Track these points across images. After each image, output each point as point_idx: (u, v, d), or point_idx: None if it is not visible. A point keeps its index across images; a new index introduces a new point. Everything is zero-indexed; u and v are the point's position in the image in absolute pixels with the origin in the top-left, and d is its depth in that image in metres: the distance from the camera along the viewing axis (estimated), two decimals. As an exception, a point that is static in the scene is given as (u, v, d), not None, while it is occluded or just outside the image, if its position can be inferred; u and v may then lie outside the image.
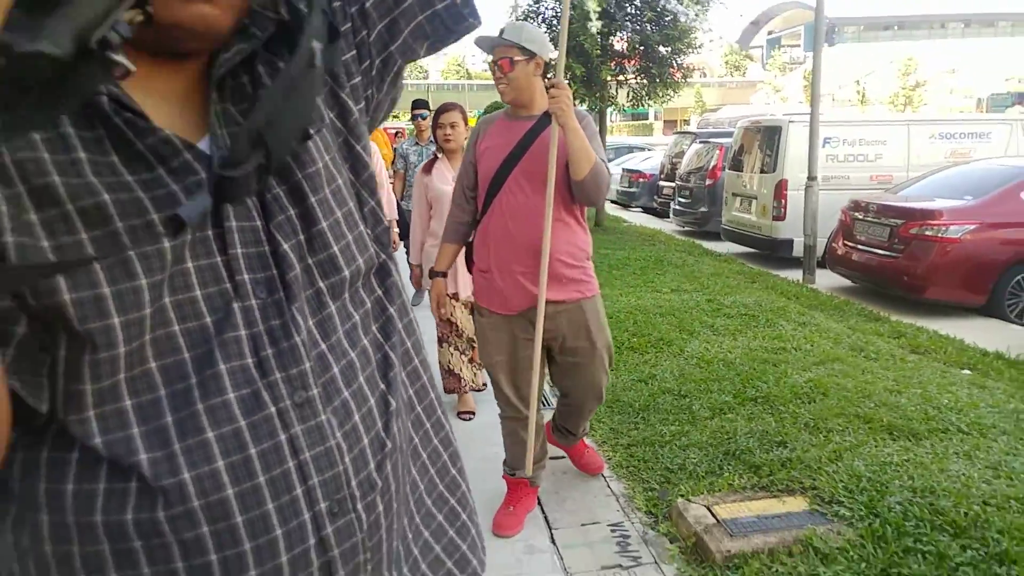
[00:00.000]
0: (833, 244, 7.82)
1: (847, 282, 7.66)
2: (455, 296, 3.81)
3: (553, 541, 2.72)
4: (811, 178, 7.84)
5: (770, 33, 60.87)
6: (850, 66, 37.82)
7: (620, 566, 2.55)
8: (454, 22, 0.78)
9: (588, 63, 10.14)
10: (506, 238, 2.56)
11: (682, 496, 2.93)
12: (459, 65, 65.94)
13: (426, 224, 3.95)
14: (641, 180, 15.47)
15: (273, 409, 0.59)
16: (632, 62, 10.98)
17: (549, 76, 2.54)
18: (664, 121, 52.33)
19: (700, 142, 12.33)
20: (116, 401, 0.55)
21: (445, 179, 3.80)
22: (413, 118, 6.17)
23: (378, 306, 0.70)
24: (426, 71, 68.27)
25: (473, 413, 3.91)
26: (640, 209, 15.53)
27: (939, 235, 6.42)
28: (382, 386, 0.68)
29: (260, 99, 0.57)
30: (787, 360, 4.45)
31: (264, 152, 0.55)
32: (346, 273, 0.66)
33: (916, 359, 4.69)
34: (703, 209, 11.13)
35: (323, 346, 0.63)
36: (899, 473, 2.93)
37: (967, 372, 4.44)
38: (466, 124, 3.72)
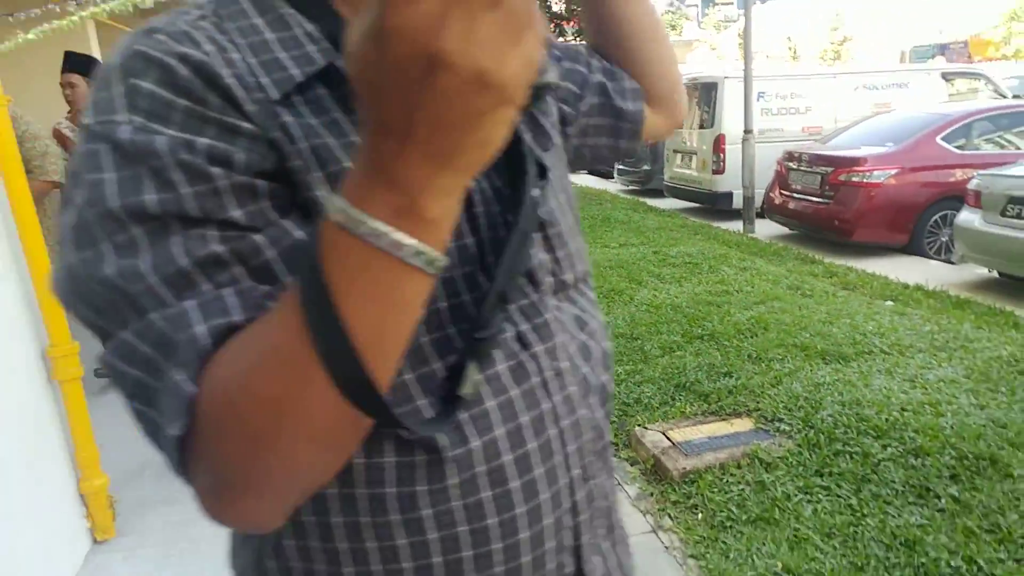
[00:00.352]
0: (770, 194, 8.21)
1: (785, 229, 8.08)
2: None
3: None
4: (747, 132, 8.19)
5: (703, -9, 61.43)
6: (782, 22, 38.66)
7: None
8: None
9: (561, 32, 10.26)
10: None
11: (639, 425, 3.20)
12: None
13: None
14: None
15: (537, 380, 0.62)
16: (570, 23, 11.13)
17: None
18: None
19: (640, 102, 12.58)
20: (399, 374, 0.56)
21: None
22: None
23: (591, 305, 0.73)
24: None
25: None
26: (585, 171, 15.80)
27: (864, 180, 6.84)
28: (604, 376, 0.71)
29: (501, 264, 0.57)
30: (730, 301, 4.77)
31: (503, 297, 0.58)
32: (572, 274, 0.69)
33: (846, 294, 5.07)
34: (646, 167, 11.43)
35: (562, 326, 0.67)
36: (830, 391, 3.27)
37: (890, 303, 4.84)
38: None
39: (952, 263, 6.29)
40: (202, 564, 2.34)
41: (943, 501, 2.41)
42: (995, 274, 5.85)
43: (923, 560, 2.15)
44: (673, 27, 59.41)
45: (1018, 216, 5.24)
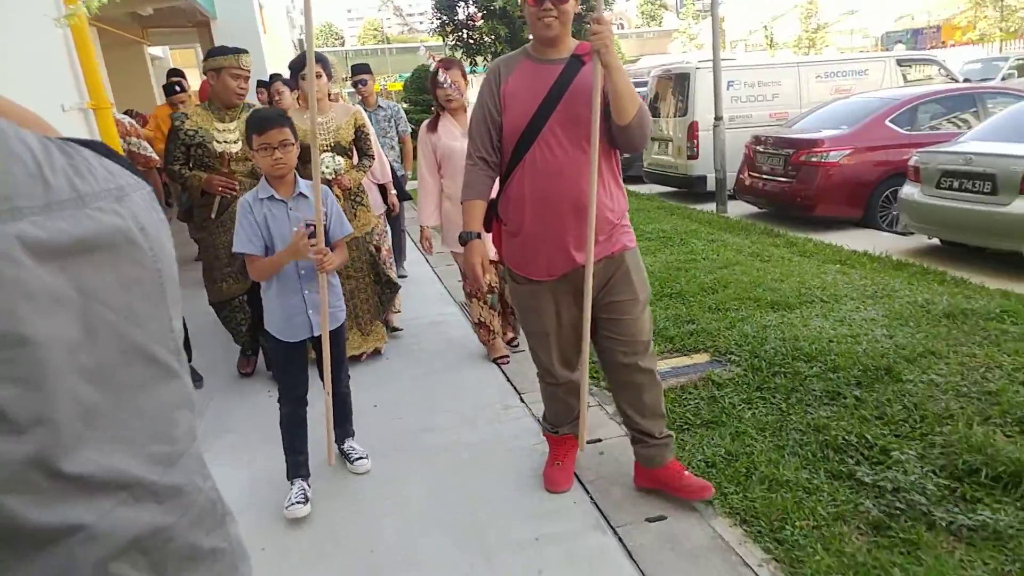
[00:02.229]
0: (740, 176, 8.88)
1: (754, 208, 8.76)
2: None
3: (521, 399, 3.62)
4: (718, 118, 8.84)
5: (682, -19, 62.09)
6: (760, 11, 39.43)
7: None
8: None
9: (511, 23, 10.88)
10: (544, 198, 2.31)
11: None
12: (376, 30, 64.87)
13: (438, 184, 3.91)
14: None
15: None
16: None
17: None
18: (586, 75, 52.88)
19: (483, 104, 13.18)
20: None
21: (453, 135, 3.81)
22: (355, 85, 5.66)
23: None
24: (343, 37, 66.77)
25: (508, 357, 4.06)
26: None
27: (822, 160, 7.53)
28: None
29: None
30: (696, 267, 5.45)
31: None
32: None
33: (800, 259, 5.76)
34: (626, 156, 12.07)
35: None
36: (774, 331, 3.95)
37: (836, 266, 5.53)
38: (465, 80, 3.87)
39: (901, 234, 6.99)
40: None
41: (848, 400, 3.09)
42: (937, 241, 6.54)
43: (826, 438, 2.83)
44: (652, 18, 60.02)
45: (950, 188, 5.93)
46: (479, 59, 14.97)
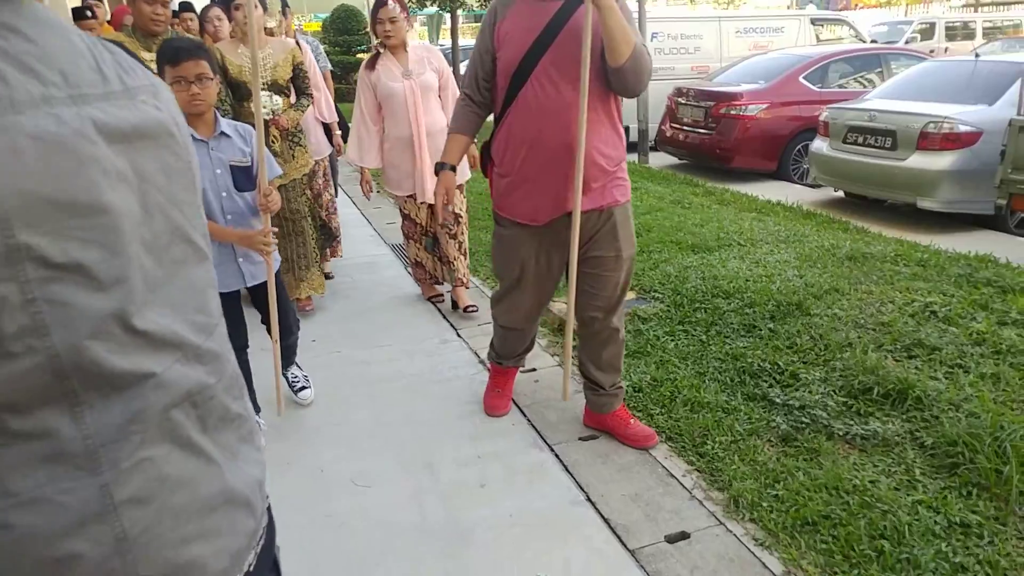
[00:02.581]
0: (662, 127, 9.13)
1: (675, 160, 9.05)
2: (412, 197, 3.86)
3: (458, 334, 3.73)
4: (641, 70, 9.01)
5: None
6: (680, -35, 39.72)
7: (509, 342, 3.62)
8: None
9: None
10: (535, 140, 2.27)
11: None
12: (291, -36, 61.54)
13: (377, 125, 3.80)
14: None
15: None
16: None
17: None
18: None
19: (479, 40, 13.18)
20: None
21: (393, 75, 3.67)
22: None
23: None
24: (254, -30, 62.53)
25: (442, 296, 4.10)
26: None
27: (740, 114, 7.83)
28: None
29: None
30: (622, 212, 5.65)
31: None
32: None
33: (718, 207, 6.05)
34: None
35: None
36: (695, 271, 4.19)
37: (753, 214, 5.86)
38: (407, 17, 3.75)
39: (811, 187, 7.42)
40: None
41: (763, 332, 3.36)
42: (842, 194, 6.99)
43: (743, 365, 3.09)
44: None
45: (855, 143, 6.33)
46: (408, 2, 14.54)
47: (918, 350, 3.01)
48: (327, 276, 4.53)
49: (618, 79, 2.18)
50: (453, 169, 2.53)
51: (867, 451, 2.47)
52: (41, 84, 0.63)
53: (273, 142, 3.66)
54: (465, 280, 3.98)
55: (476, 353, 3.49)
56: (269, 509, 0.94)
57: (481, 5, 12.77)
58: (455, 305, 4.01)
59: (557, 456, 2.62)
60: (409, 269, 4.49)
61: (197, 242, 0.80)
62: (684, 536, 2.19)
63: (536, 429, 2.80)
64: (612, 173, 2.36)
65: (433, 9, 12.97)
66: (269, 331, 2.69)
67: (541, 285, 2.55)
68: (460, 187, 3.78)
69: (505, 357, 2.87)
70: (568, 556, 2.13)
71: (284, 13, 4.92)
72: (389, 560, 2.13)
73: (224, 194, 2.47)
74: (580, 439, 2.72)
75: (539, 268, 2.50)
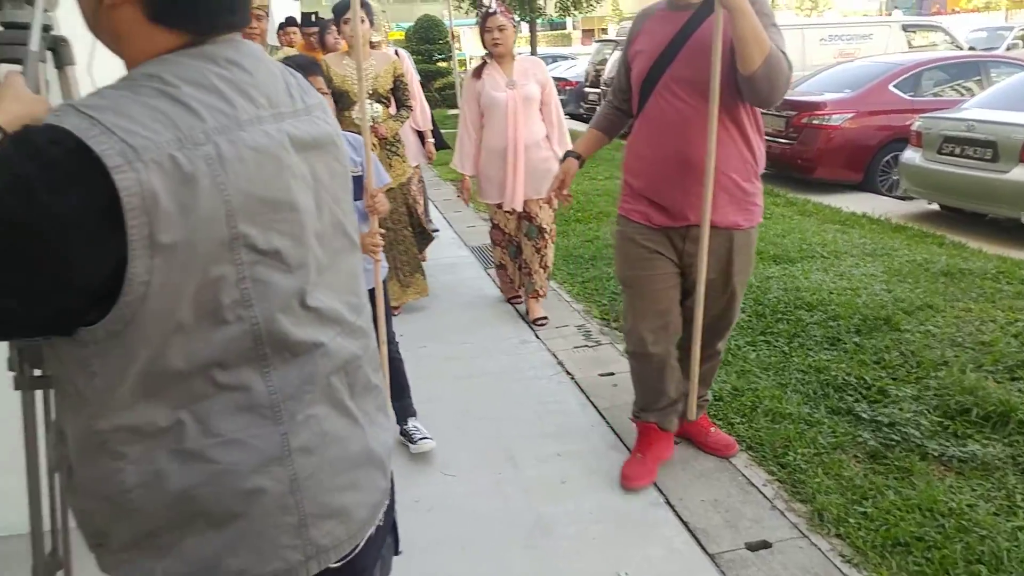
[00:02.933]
0: (741, 136, 8.98)
1: (753, 169, 8.88)
2: (499, 206, 3.89)
3: (537, 336, 3.79)
4: (723, 78, 8.90)
5: (687, -63, 61.00)
6: (763, -29, 38.88)
7: (587, 346, 3.66)
8: None
9: None
10: (656, 152, 2.23)
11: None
12: (373, -28, 63.22)
13: (478, 133, 3.85)
14: (567, 88, 16.24)
15: None
16: None
17: None
18: (582, 31, 52.24)
19: (620, 50, 13.19)
20: None
21: (497, 84, 3.71)
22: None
23: None
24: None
25: (547, 318, 3.95)
26: (567, 116, 16.37)
27: (824, 123, 7.63)
28: None
29: None
30: (701, 221, 5.60)
31: None
32: None
33: (800, 218, 5.93)
34: (628, 111, 12.11)
35: None
36: (777, 282, 4.13)
37: (836, 226, 5.71)
38: (514, 27, 3.76)
39: (901, 199, 7.16)
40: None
41: (847, 346, 3.29)
42: (936, 207, 6.71)
43: (827, 378, 3.04)
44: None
45: (951, 154, 6.08)
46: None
47: (1022, 372, 2.89)
48: None
49: (750, 88, 2.04)
50: (579, 158, 2.56)
51: (964, 474, 2.40)
52: (255, 106, 0.78)
53: (372, 150, 3.78)
54: (541, 292, 3.97)
55: (554, 355, 3.54)
56: (392, 476, 1.03)
57: (560, 15, 12.89)
58: (526, 315, 4.02)
59: (600, 414, 2.66)
60: (491, 271, 4.59)
61: (351, 234, 0.92)
62: (766, 545, 2.18)
63: (615, 432, 2.83)
64: (736, 195, 2.22)
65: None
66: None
67: (654, 292, 2.37)
68: (549, 201, 3.79)
69: (646, 408, 2.53)
70: (648, 555, 2.16)
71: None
72: (475, 545, 2.20)
73: None
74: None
75: (650, 269, 2.35)
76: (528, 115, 3.74)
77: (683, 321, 2.42)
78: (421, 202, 4.63)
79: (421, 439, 2.72)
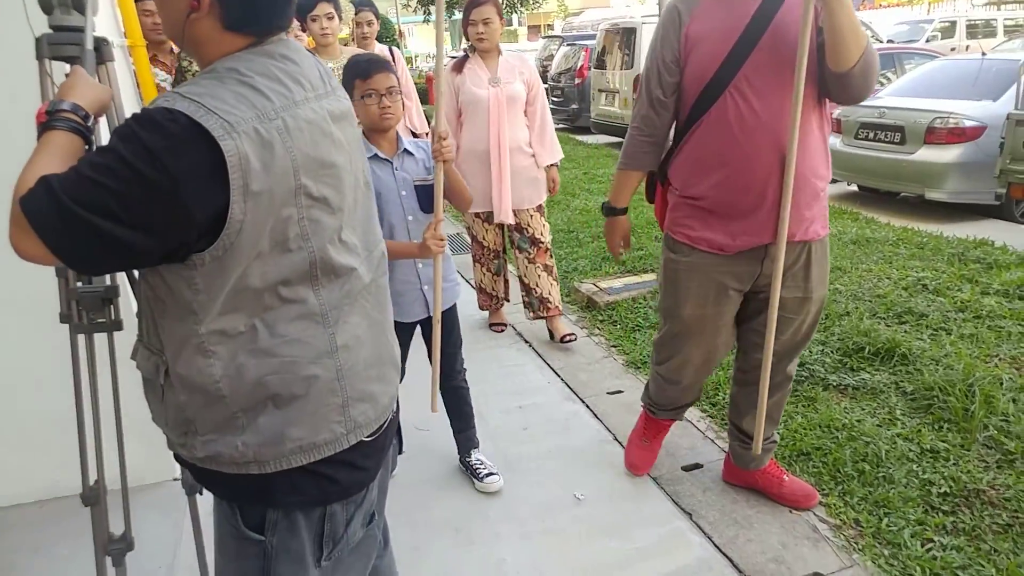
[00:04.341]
0: (681, 127, 9.49)
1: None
2: (478, 216, 3.60)
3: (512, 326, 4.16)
4: (662, 72, 9.38)
5: (627, -66, 62.02)
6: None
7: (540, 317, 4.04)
8: None
9: None
10: (735, 160, 1.88)
11: (577, 281, 4.45)
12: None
13: (455, 133, 3.46)
14: (517, 84, 16.62)
15: None
16: None
17: None
18: (528, 27, 52.71)
19: (567, 45, 13.63)
20: None
21: (480, 81, 3.38)
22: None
23: None
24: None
25: (505, 325, 3.88)
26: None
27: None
28: None
29: None
30: (643, 205, 6.00)
31: None
32: None
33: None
34: (574, 106, 12.53)
35: None
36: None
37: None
38: (501, 20, 3.41)
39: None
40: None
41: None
42: (855, 188, 7.31)
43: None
44: (598, -30, 59.77)
45: (866, 139, 6.65)
46: (431, 9, 15.06)
47: (908, 317, 3.39)
48: None
49: (842, 85, 1.79)
50: (625, 212, 2.26)
51: (856, 398, 2.86)
52: (303, 90, 1.08)
53: None
54: (559, 307, 3.68)
55: (513, 326, 3.91)
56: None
57: (506, 11, 13.22)
58: (551, 336, 3.69)
59: (588, 407, 3.04)
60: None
61: (369, 183, 1.25)
62: (698, 466, 2.60)
63: (569, 386, 3.22)
64: (820, 201, 1.97)
65: (458, 17, 13.43)
66: (430, 355, 2.29)
67: (715, 330, 2.12)
68: (539, 208, 3.57)
69: (661, 408, 2.45)
70: (599, 479, 2.55)
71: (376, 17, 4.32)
72: (451, 482, 2.56)
73: (410, 218, 2.23)
74: (608, 393, 3.14)
75: (716, 307, 2.08)
76: (513, 116, 3.41)
77: (749, 345, 2.17)
78: None
79: (488, 476, 2.51)
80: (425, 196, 2.21)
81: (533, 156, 3.51)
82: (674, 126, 2.08)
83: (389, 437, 1.29)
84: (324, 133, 1.08)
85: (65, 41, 1.31)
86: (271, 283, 1.03)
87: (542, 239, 3.59)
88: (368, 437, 1.19)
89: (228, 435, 1.07)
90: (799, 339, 2.13)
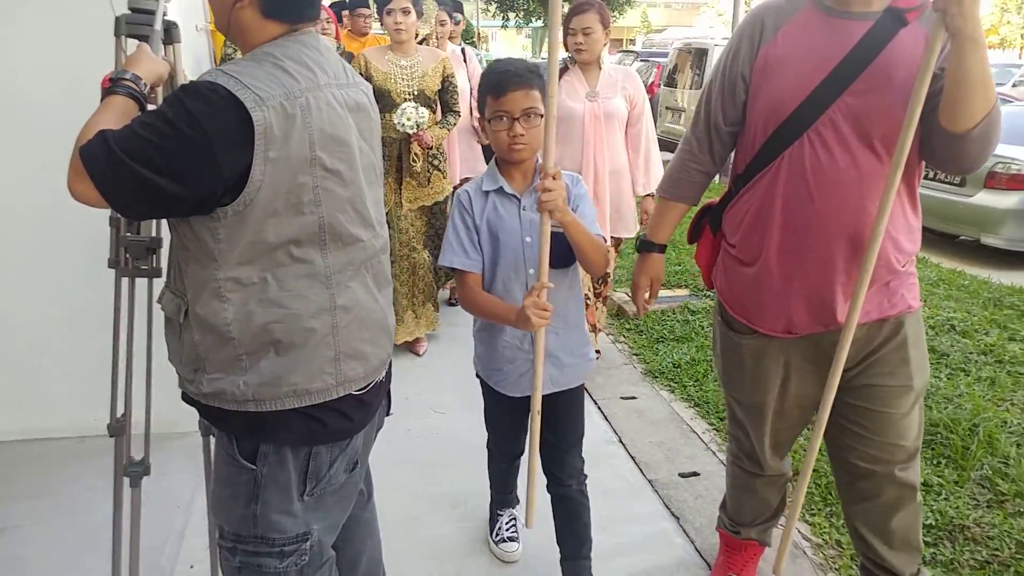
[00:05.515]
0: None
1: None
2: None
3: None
4: (728, 94, 9.37)
5: (717, -46, 61.39)
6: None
7: (571, 321, 4.16)
8: None
9: None
10: (805, 220, 1.55)
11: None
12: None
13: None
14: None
15: None
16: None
17: None
18: (611, 40, 52.55)
19: (641, 60, 13.70)
20: None
21: (576, 94, 3.10)
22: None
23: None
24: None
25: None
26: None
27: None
28: None
29: None
30: (686, 220, 6.07)
31: None
32: None
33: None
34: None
35: None
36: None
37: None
38: (605, 30, 3.06)
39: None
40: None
41: (795, 330, 3.78)
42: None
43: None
44: (683, -12, 59.40)
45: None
46: (511, 15, 15.28)
47: (929, 355, 3.37)
48: (450, 303, 4.35)
49: (953, 149, 1.44)
50: (662, 250, 1.91)
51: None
52: (327, 76, 1.25)
53: (414, 161, 3.40)
54: (600, 325, 3.48)
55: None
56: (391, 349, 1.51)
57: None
58: None
59: (599, 407, 3.14)
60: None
61: (380, 171, 1.41)
62: (695, 474, 2.67)
63: (584, 388, 3.31)
64: (902, 271, 1.61)
65: (539, 23, 13.65)
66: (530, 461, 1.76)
67: (787, 414, 1.80)
68: (618, 243, 3.27)
69: (743, 523, 2.04)
70: (599, 476, 2.64)
71: (453, 19, 4.34)
72: (461, 465, 2.70)
73: (531, 271, 1.72)
74: (621, 398, 3.23)
75: (785, 392, 1.75)
76: (611, 134, 3.10)
77: (841, 448, 1.76)
78: None
79: None
80: (560, 246, 1.61)
81: (631, 182, 3.21)
82: (732, 164, 1.73)
83: (378, 397, 1.44)
84: (339, 114, 1.24)
85: (140, 22, 1.50)
86: (284, 240, 1.19)
87: (609, 273, 3.23)
88: (357, 391, 1.34)
89: (232, 375, 1.23)
90: (905, 441, 1.67)
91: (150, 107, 1.25)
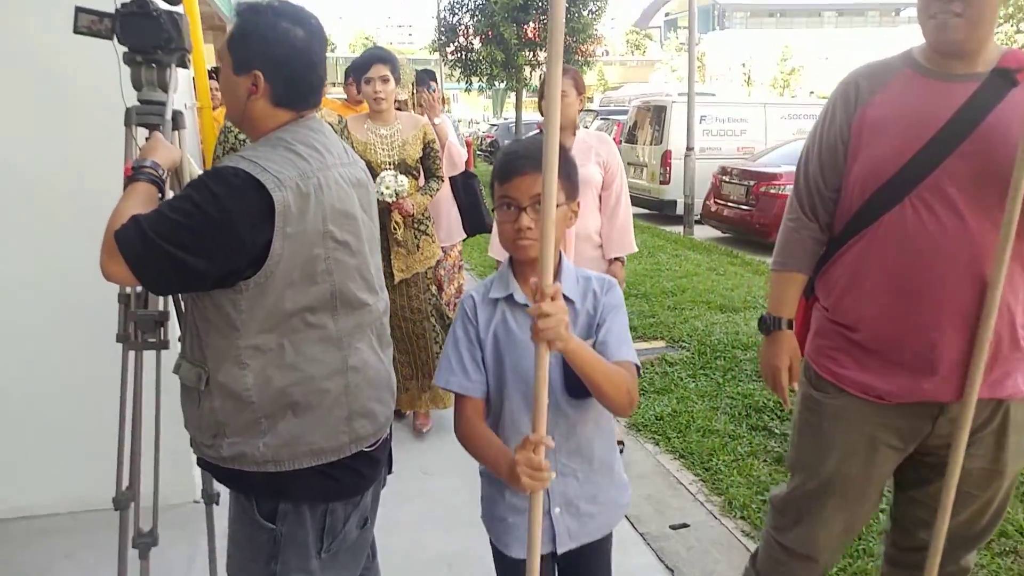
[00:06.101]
0: (707, 202, 9.75)
1: (719, 232, 9.63)
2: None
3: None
4: (689, 149, 9.74)
5: (667, 15, 64.19)
6: (739, 50, 41.16)
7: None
8: None
9: (507, 50, 11.74)
10: (910, 286, 1.49)
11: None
12: (367, 38, 65.59)
13: None
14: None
15: None
16: (544, 50, 12.64)
17: None
18: (569, 98, 53.91)
19: (601, 119, 14.14)
20: None
21: (583, 159, 2.99)
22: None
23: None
24: (334, 44, 67.09)
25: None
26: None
27: (780, 192, 8.41)
28: None
29: None
30: (660, 275, 6.26)
31: None
32: None
33: (751, 275, 6.60)
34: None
35: None
36: (720, 327, 4.74)
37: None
38: (580, 95, 3.03)
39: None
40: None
41: (771, 377, 3.88)
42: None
43: (750, 402, 3.61)
44: (637, 47, 61.77)
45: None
46: (474, 79, 15.83)
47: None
48: None
49: None
50: (791, 325, 1.71)
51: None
52: (332, 156, 1.35)
53: (395, 230, 3.32)
54: None
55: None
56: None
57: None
58: None
59: None
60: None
61: (378, 241, 1.50)
62: (685, 526, 2.72)
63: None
64: (1020, 345, 1.53)
65: (502, 86, 14.10)
66: None
67: (862, 494, 1.65)
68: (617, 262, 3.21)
69: None
70: (590, 531, 2.67)
71: (428, 88, 4.18)
72: (447, 525, 2.70)
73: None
74: (607, 451, 3.28)
75: (866, 467, 1.62)
76: (583, 201, 2.77)
77: (911, 521, 1.70)
78: (454, 286, 4.26)
79: None
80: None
81: (600, 247, 3.16)
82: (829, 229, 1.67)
83: (384, 453, 1.51)
84: (346, 191, 1.35)
85: (149, 112, 1.63)
86: (300, 308, 1.28)
87: None
88: (367, 448, 1.41)
89: (252, 438, 1.30)
90: (983, 524, 1.63)
91: (168, 191, 1.33)
